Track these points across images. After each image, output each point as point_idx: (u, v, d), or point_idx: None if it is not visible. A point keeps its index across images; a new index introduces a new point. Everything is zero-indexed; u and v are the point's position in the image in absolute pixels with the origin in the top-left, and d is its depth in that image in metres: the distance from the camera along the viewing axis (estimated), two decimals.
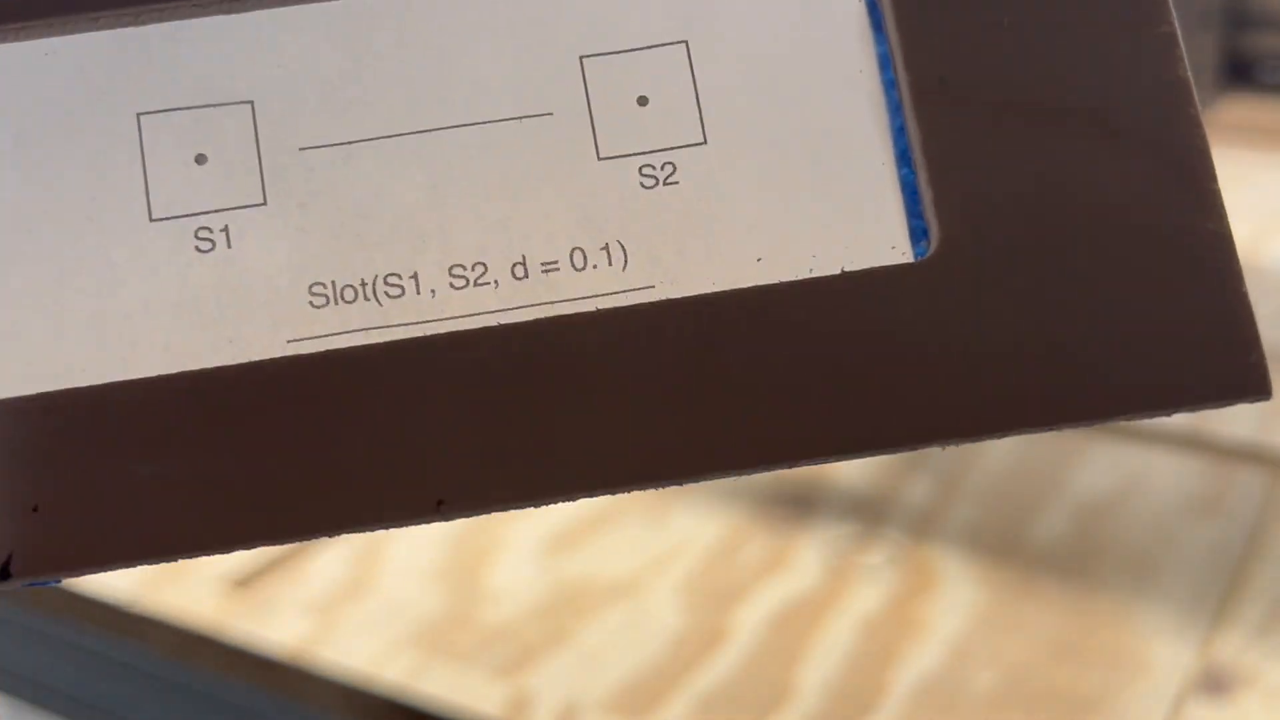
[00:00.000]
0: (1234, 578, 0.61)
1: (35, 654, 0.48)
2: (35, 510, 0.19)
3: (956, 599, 0.55)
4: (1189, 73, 0.21)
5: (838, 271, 0.20)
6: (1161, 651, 0.60)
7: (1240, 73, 0.79)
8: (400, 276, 0.21)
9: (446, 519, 0.20)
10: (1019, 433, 0.20)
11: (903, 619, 0.53)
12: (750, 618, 0.52)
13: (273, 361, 0.20)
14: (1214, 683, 0.60)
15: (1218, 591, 0.61)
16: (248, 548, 0.20)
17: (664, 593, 0.51)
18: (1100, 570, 0.56)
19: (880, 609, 0.53)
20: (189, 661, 0.46)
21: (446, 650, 0.46)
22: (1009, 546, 0.56)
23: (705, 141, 0.21)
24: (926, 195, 0.20)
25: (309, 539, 0.20)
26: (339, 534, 0.20)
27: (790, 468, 0.20)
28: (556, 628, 0.49)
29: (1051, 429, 0.20)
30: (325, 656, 0.47)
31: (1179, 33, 0.21)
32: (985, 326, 0.20)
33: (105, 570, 0.19)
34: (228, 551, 0.20)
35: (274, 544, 0.20)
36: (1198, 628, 0.61)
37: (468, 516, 0.20)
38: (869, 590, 0.54)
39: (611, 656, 0.50)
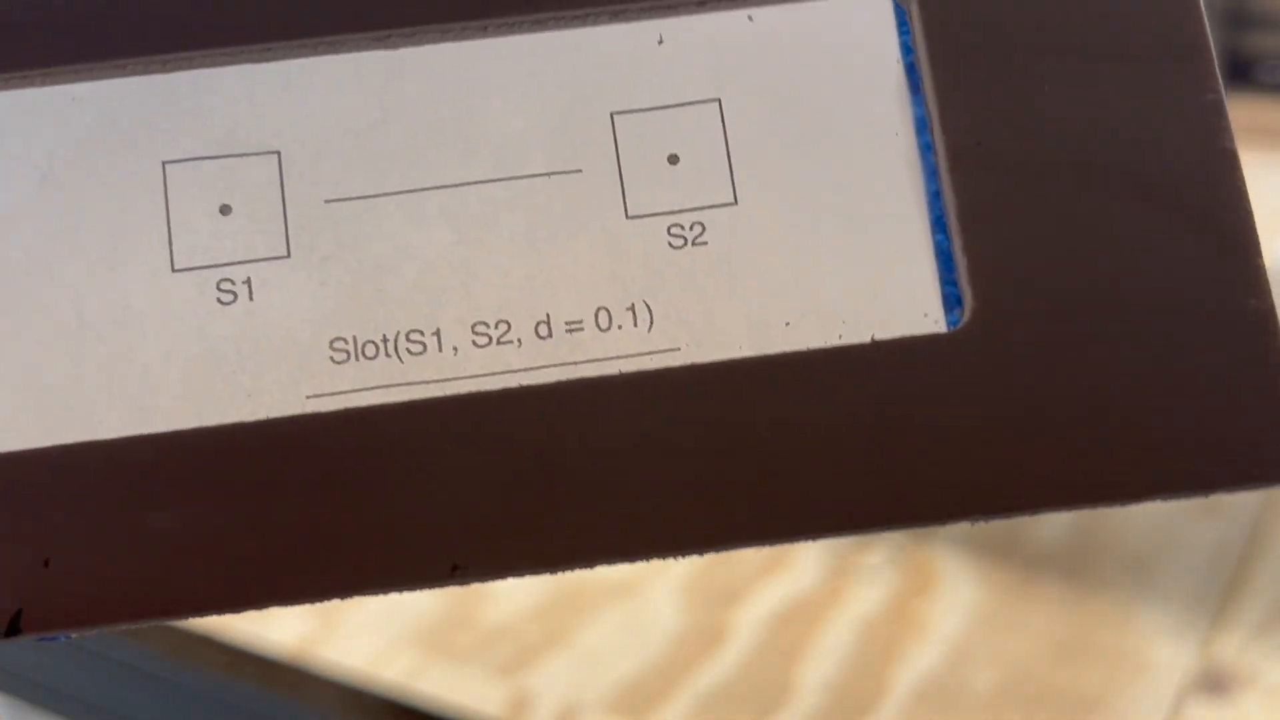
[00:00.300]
0: (1234, 578, 0.61)
1: (35, 654, 0.48)
2: (47, 564, 0.19)
3: (956, 599, 0.55)
4: (1235, 143, 0.21)
5: (868, 339, 0.20)
6: (1161, 651, 0.60)
7: (1240, 73, 0.79)
8: (422, 333, 0.20)
9: (462, 584, 0.20)
10: (1048, 511, 0.20)
11: (903, 619, 0.54)
12: (750, 618, 0.52)
13: (291, 419, 0.20)
14: (1214, 683, 0.60)
15: (1218, 591, 0.61)
16: (260, 609, 0.20)
17: (664, 593, 0.51)
18: (1100, 570, 0.56)
19: (880, 609, 0.54)
20: (189, 661, 0.46)
21: (446, 650, 0.46)
22: (1009, 546, 0.57)
23: (736, 202, 0.21)
24: (960, 263, 0.20)
25: (322, 601, 0.20)
26: (352, 596, 0.20)
27: (815, 540, 0.20)
28: (556, 628, 0.49)
29: (1081, 508, 0.20)
30: (325, 656, 0.47)
31: (1225, 101, 0.21)
32: (1016, 400, 0.20)
33: (116, 626, 0.19)
34: (239, 612, 0.20)
35: (287, 605, 0.20)
36: (1198, 628, 0.61)
37: (483, 582, 0.20)
38: (869, 590, 0.54)
39: (611, 656, 0.50)
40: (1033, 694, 0.59)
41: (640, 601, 0.51)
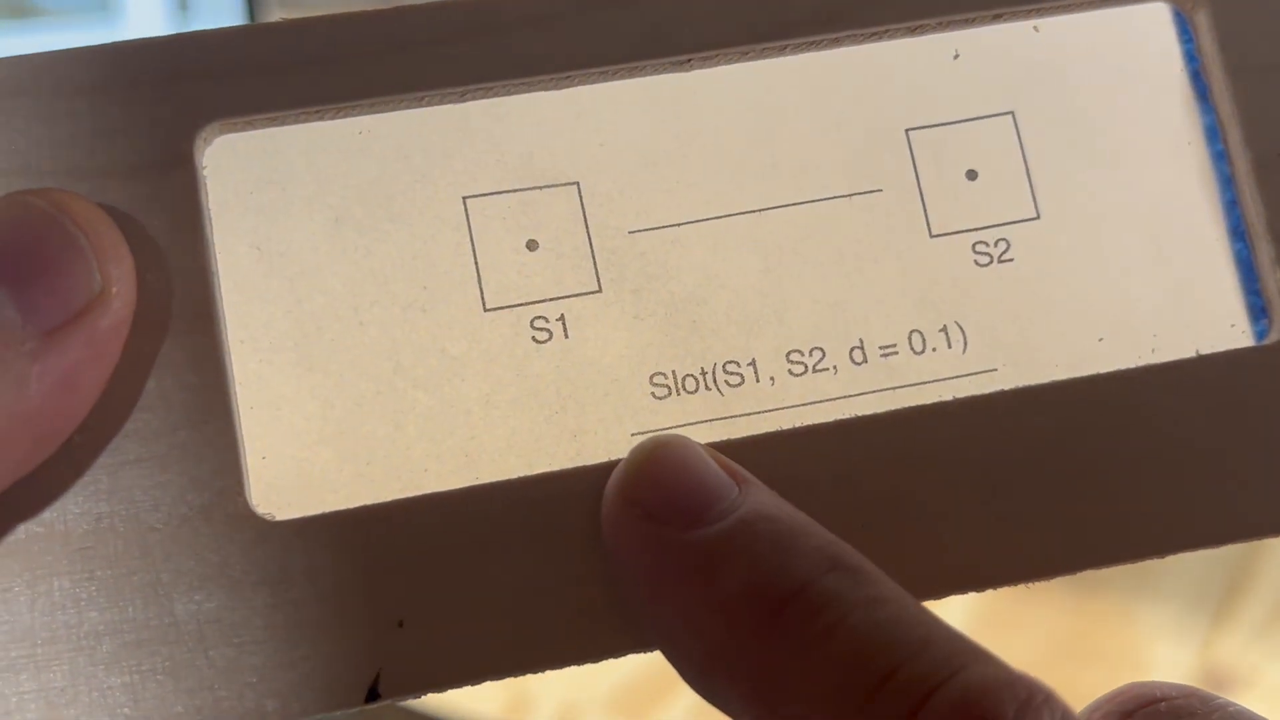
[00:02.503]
0: (1234, 578, 0.63)
1: None
2: (400, 625, 0.19)
3: (956, 599, 0.56)
4: None
5: (1185, 352, 0.21)
6: (1161, 651, 0.62)
7: None
8: (739, 364, 0.21)
9: None
10: None
11: None
12: None
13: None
14: (1214, 683, 0.62)
15: (1218, 591, 0.63)
16: (615, 657, 0.20)
17: None
18: (1100, 570, 0.58)
19: None
20: None
21: None
22: None
23: (1038, 216, 0.21)
24: (1271, 274, 0.21)
25: None
26: None
27: (1145, 560, 0.21)
28: None
29: None
30: None
31: None
32: None
33: (474, 684, 0.19)
34: (594, 662, 0.20)
35: (639, 652, 0.20)
36: (1198, 628, 0.63)
37: None
38: None
39: None
40: None
41: None
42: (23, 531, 0.19)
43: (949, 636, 0.18)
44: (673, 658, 0.19)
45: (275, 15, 0.63)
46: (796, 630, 0.18)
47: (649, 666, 0.51)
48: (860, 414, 0.21)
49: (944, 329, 0.21)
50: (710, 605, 0.18)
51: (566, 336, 0.21)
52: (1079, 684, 0.60)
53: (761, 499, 0.19)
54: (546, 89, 0.21)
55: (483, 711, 0.56)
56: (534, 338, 0.21)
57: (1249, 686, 0.62)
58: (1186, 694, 0.19)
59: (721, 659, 0.18)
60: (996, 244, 0.21)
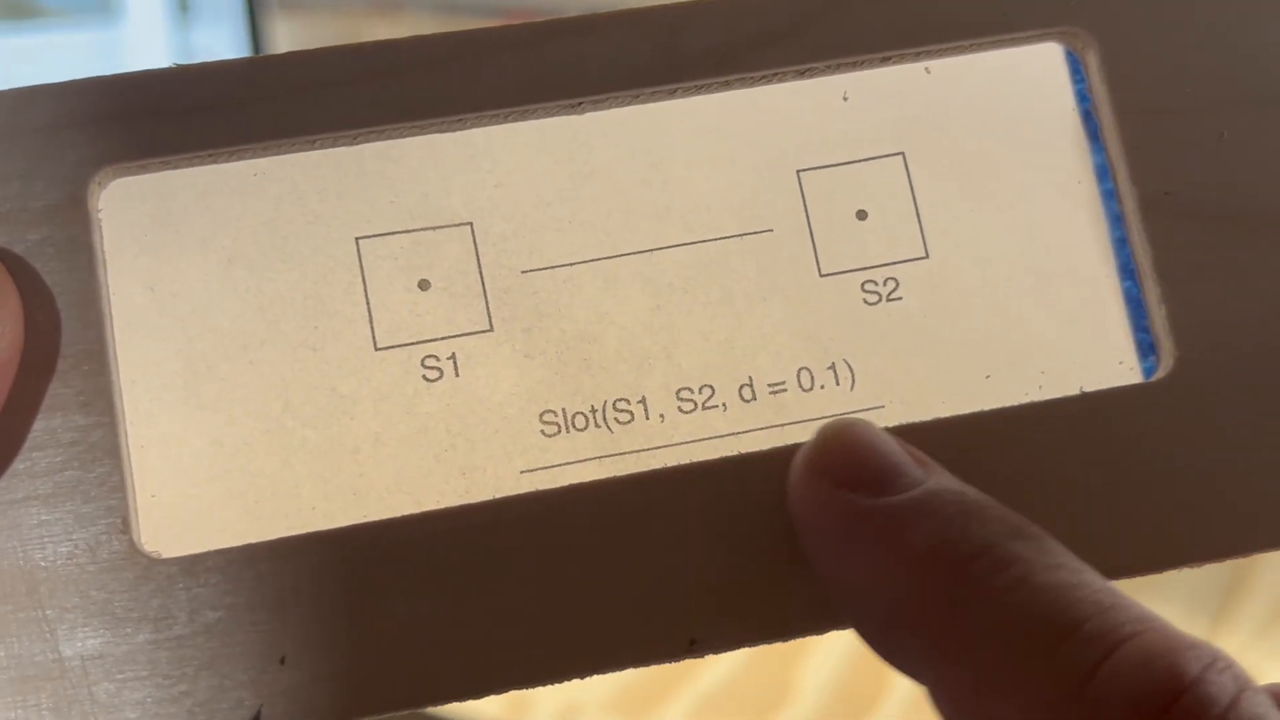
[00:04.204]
0: (1234, 578, 0.63)
1: None
2: (282, 662, 0.20)
3: None
4: None
5: (1072, 389, 0.21)
6: None
7: None
8: (629, 401, 0.21)
9: (697, 657, 0.21)
10: (1253, 554, 0.21)
11: None
12: None
13: (511, 499, 0.20)
14: None
15: (1218, 591, 0.63)
16: (500, 693, 0.20)
17: None
18: None
19: None
20: None
21: None
22: None
23: (927, 255, 0.22)
24: (1158, 312, 0.21)
25: (564, 681, 0.20)
26: (590, 676, 0.20)
27: None
28: None
29: None
30: None
31: None
32: (1226, 448, 0.21)
33: None
34: (477, 698, 0.20)
35: (528, 688, 0.20)
36: (1198, 628, 0.63)
37: (719, 653, 0.21)
38: None
39: None
40: None
41: None
42: None
43: (1133, 604, 0.18)
44: (854, 616, 0.20)
45: (276, 16, 0.64)
46: (982, 583, 0.18)
47: (649, 667, 0.52)
48: (749, 450, 0.21)
49: (832, 366, 0.22)
50: (896, 562, 0.19)
51: (457, 375, 0.21)
52: None
53: (946, 478, 0.20)
54: (440, 131, 0.21)
55: (483, 711, 0.57)
56: (424, 376, 0.21)
57: None
58: None
59: (905, 613, 0.19)
60: (885, 283, 0.22)
